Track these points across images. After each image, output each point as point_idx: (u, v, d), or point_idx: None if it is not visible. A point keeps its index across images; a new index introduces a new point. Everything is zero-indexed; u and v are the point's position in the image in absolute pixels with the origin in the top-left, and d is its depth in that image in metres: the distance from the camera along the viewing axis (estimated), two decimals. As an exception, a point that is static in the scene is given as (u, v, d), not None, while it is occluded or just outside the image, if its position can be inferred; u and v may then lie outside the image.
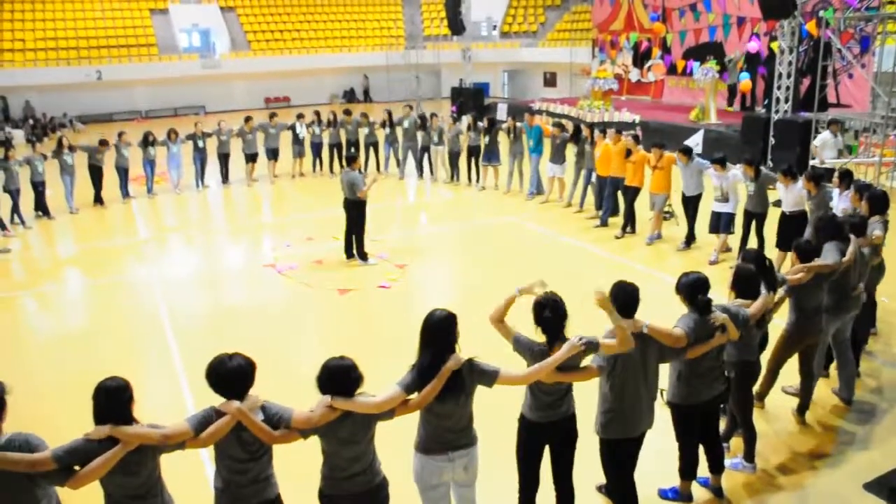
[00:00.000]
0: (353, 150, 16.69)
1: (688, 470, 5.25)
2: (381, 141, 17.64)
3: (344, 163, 12.47)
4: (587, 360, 4.54)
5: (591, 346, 4.35)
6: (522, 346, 4.48)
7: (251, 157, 17.25)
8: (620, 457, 4.77)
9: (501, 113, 25.03)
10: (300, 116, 17.65)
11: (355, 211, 10.93)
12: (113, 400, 3.68)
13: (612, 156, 12.26)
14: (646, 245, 11.65)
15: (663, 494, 5.34)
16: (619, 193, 12.36)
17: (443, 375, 4.04)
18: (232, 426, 3.73)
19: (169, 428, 3.71)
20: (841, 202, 8.81)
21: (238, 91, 33.64)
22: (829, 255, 6.15)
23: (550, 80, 33.27)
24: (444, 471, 4.20)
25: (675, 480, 5.34)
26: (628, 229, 12.14)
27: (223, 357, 3.85)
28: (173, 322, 9.17)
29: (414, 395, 4.05)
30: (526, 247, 12.04)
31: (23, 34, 31.79)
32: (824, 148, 13.80)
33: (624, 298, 4.60)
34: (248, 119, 17.26)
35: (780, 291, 5.81)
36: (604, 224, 12.65)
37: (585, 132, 13.55)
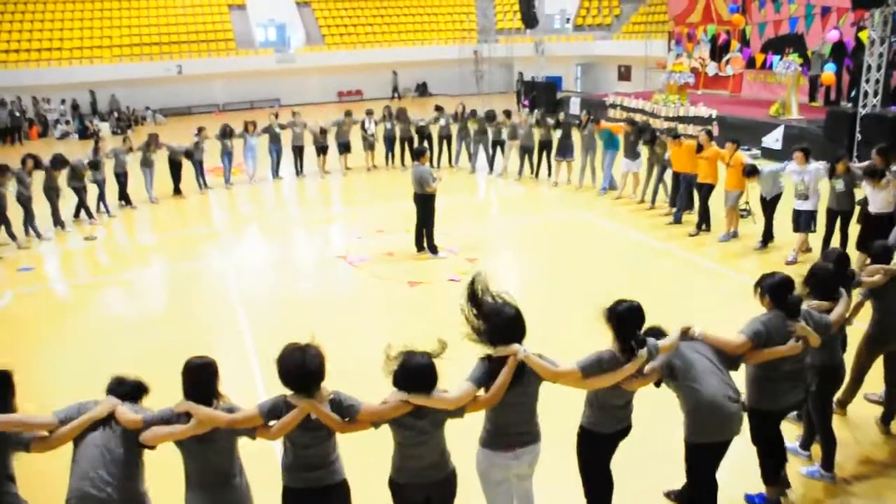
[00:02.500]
0: (422, 144, 16.87)
1: (771, 475, 5.10)
2: (453, 134, 17.69)
3: (413, 157, 12.48)
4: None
5: (651, 357, 4.34)
6: (596, 368, 4.29)
7: (322, 150, 17.53)
8: (705, 463, 4.62)
9: (574, 107, 24.75)
10: (369, 112, 17.82)
11: (424, 205, 11.00)
12: (197, 376, 3.92)
13: (683, 152, 11.99)
14: (719, 243, 11.35)
15: (751, 500, 5.20)
16: (694, 190, 12.08)
17: (510, 368, 4.04)
18: (301, 419, 3.81)
19: (240, 413, 3.86)
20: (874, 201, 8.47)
21: (312, 84, 34.18)
22: None
23: (625, 74, 32.70)
24: (510, 468, 4.20)
25: (755, 487, 5.19)
26: (703, 227, 11.85)
27: (293, 350, 3.88)
28: (247, 309, 9.40)
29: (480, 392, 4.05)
30: (597, 243, 11.89)
31: (110, 31, 33.04)
32: None
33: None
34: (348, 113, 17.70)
35: (858, 295, 5.59)
36: (677, 221, 12.38)
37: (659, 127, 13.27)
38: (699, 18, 25.86)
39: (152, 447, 3.89)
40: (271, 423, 3.89)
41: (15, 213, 12.72)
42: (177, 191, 16.04)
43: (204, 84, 32.93)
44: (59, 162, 13.40)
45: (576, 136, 15.34)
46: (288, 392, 3.88)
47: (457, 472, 4.12)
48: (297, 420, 3.81)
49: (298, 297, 10.13)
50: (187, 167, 16.15)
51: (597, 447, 4.55)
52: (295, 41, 35.27)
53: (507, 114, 16.80)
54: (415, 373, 3.89)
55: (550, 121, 15.64)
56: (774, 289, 4.78)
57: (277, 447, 4.30)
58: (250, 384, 7.17)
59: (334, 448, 4.01)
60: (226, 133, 16.50)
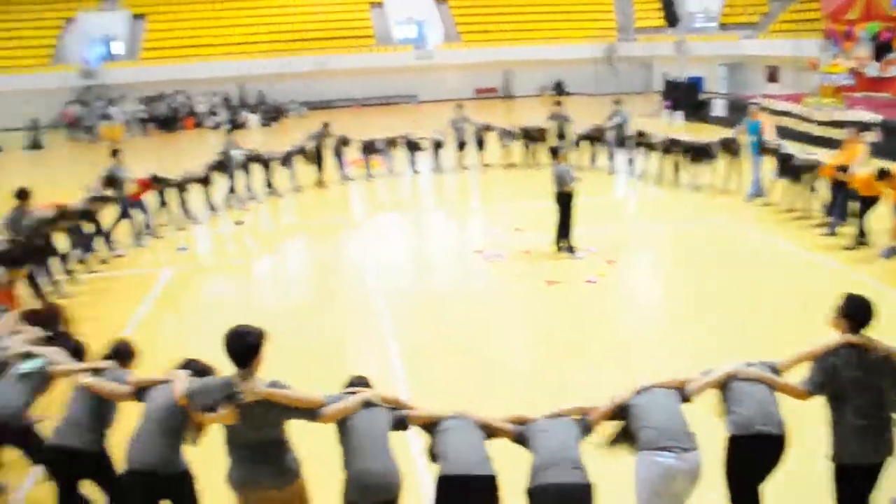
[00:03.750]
0: (560, 142, 16.78)
1: None
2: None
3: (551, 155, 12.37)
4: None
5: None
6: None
7: (461, 145, 17.73)
8: (851, 487, 4.33)
9: (717, 109, 23.85)
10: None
11: (563, 204, 10.91)
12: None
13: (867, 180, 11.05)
14: (881, 259, 10.59)
15: None
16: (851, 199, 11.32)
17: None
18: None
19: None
20: None
21: (449, 81, 34.62)
22: None
23: (773, 75, 31.17)
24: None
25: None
26: (861, 240, 11.08)
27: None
28: (384, 297, 9.64)
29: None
30: (741, 252, 11.38)
31: (258, 28, 34.78)
32: None
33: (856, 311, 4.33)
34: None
35: None
36: (832, 233, 11.64)
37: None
38: (858, 15, 24.23)
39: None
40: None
41: (172, 196, 13.68)
42: (320, 181, 16.66)
43: (344, 80, 34.07)
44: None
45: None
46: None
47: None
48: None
49: (433, 289, 10.31)
50: (331, 159, 16.78)
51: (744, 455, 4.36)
52: (433, 38, 35.83)
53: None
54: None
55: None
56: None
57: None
58: (387, 370, 7.32)
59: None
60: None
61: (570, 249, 11.06)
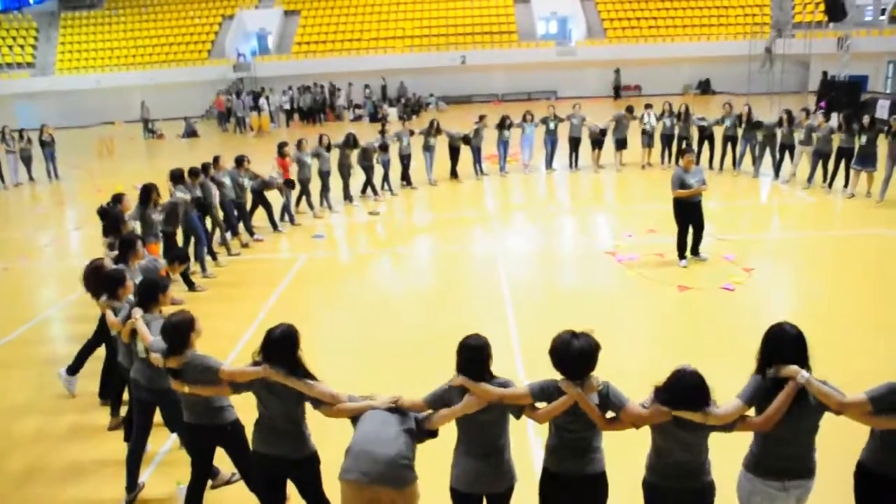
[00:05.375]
0: (702, 145, 16.34)
1: None
2: (739, 136, 16.61)
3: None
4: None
5: None
6: (889, 401, 3.74)
7: (598, 144, 17.40)
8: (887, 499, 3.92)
9: (882, 111, 22.11)
10: (648, 107, 17.37)
11: (680, 209, 10.38)
12: (472, 354, 4.11)
13: None
14: None
15: None
16: None
17: (789, 392, 3.75)
18: (568, 407, 3.87)
19: (510, 390, 4.03)
20: None
21: (590, 78, 34.05)
22: None
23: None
24: (775, 499, 3.89)
25: None
26: None
27: (568, 337, 3.93)
28: (512, 293, 9.62)
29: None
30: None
31: (403, 24, 35.55)
32: None
33: None
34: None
35: None
36: None
37: None
38: None
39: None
40: (540, 405, 4.01)
41: (314, 185, 14.21)
42: (454, 175, 16.83)
43: (485, 74, 34.23)
44: (350, 142, 14.62)
45: (882, 144, 13.65)
46: (559, 377, 3.95)
47: (715, 487, 3.94)
48: (563, 407, 3.88)
49: (563, 288, 10.19)
50: (465, 153, 16.87)
51: (876, 491, 3.94)
52: (576, 34, 35.33)
53: (806, 113, 15.43)
54: (683, 391, 3.77)
55: (854, 126, 14.04)
56: None
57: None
58: (510, 368, 7.29)
59: (599, 437, 4.02)
60: (504, 124, 16.98)
61: (696, 254, 10.59)
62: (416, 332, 8.31)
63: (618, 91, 33.52)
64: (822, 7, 27.96)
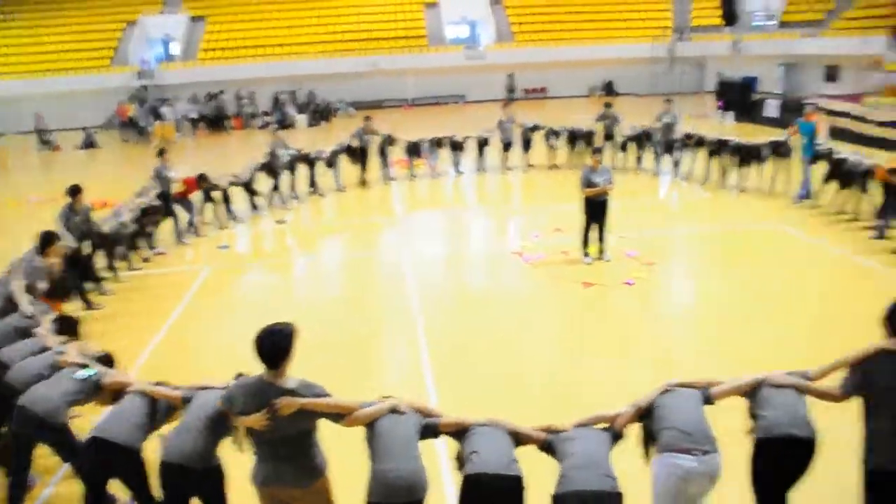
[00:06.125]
0: (606, 143, 16.77)
1: None
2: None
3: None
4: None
5: None
6: None
7: (506, 146, 17.63)
8: (883, 492, 4.20)
9: (770, 110, 23.23)
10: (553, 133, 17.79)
11: (588, 207, 10.60)
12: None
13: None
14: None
15: None
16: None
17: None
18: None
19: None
20: None
21: (498, 81, 34.42)
22: None
23: (832, 75, 30.22)
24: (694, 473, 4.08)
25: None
26: (914, 243, 10.67)
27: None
28: (420, 297, 9.63)
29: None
30: (788, 257, 11.02)
31: (312, 29, 35.24)
32: None
33: None
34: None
35: None
36: (881, 236, 11.21)
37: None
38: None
39: None
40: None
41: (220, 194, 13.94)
42: (362, 181, 16.74)
43: (396, 79, 34.26)
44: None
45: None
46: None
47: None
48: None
49: (469, 289, 10.29)
50: (374, 159, 16.87)
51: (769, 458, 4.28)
52: (485, 38, 35.75)
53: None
54: None
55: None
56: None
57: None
58: (418, 371, 7.30)
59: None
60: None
61: (601, 252, 10.85)
62: (325, 340, 8.22)
63: (511, 94, 33.82)
64: (718, 11, 29.10)
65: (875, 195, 11.80)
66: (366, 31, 35.21)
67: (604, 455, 4.13)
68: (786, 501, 4.35)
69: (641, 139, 17.14)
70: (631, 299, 9.42)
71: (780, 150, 14.14)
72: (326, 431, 4.21)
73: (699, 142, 15.77)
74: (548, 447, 4.33)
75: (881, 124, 18.53)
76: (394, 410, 4.26)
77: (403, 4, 36.89)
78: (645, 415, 4.45)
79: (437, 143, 17.58)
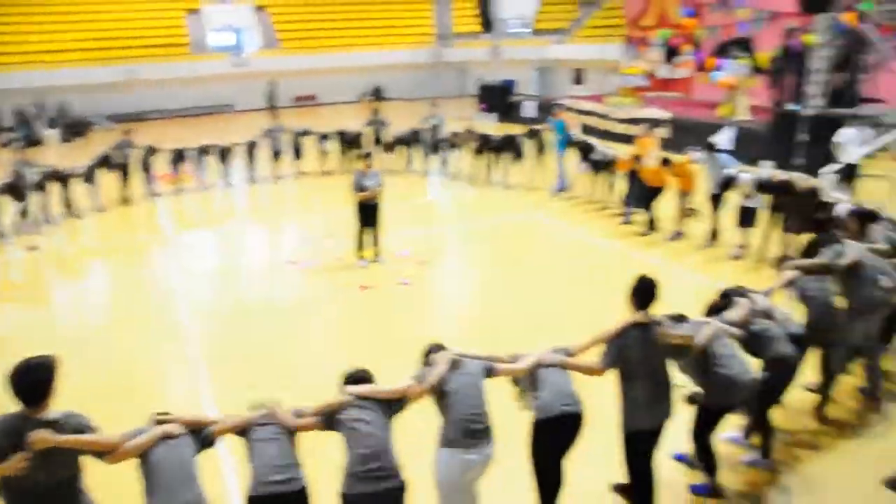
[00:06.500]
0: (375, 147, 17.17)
1: (714, 465, 5.23)
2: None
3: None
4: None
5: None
6: None
7: (276, 155, 17.37)
8: (640, 450, 4.78)
9: (528, 110, 24.90)
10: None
11: (361, 210, 10.74)
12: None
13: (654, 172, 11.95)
14: (668, 242, 11.50)
15: (695, 490, 5.32)
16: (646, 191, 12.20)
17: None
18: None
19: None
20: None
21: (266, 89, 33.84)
22: (826, 254, 6.17)
23: (579, 78, 33.00)
24: (470, 465, 4.28)
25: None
26: (652, 226, 11.98)
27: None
28: (194, 316, 9.26)
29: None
30: (548, 244, 11.96)
31: (61, 35, 32.39)
32: (847, 144, 13.46)
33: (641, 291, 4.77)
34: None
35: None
36: (627, 222, 12.50)
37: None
38: (653, 22, 26.20)
39: None
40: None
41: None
42: (124, 198, 15.69)
43: (157, 90, 32.41)
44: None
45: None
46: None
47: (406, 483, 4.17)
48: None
49: (247, 304, 9.93)
50: (136, 175, 15.88)
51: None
52: (250, 46, 34.94)
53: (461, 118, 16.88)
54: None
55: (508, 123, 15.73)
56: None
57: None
58: (196, 394, 7.05)
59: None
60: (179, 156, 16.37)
61: (376, 255, 11.05)
62: (86, 372, 7.65)
63: (273, 103, 33.32)
64: (477, 19, 30.68)
65: (622, 184, 13.06)
66: (122, 38, 32.99)
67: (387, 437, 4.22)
68: (561, 469, 4.72)
69: (409, 141, 17.66)
70: (407, 298, 9.71)
71: (535, 137, 15.15)
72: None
73: (465, 139, 16.55)
74: (329, 425, 4.29)
75: (622, 121, 20.53)
76: (166, 437, 3.98)
77: (163, 10, 34.98)
78: (439, 396, 4.49)
79: (203, 151, 16.84)
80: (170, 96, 32.88)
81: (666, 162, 11.55)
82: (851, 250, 6.14)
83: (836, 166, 12.27)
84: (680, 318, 5.05)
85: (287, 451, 4.09)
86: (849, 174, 11.92)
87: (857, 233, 6.89)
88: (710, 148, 10.90)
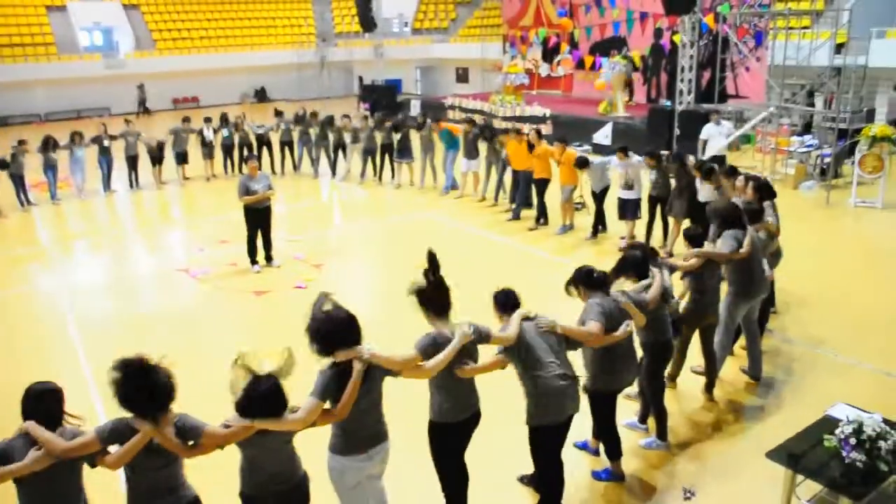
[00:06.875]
0: (261, 150, 17.13)
1: (616, 450, 5.46)
2: (295, 140, 17.51)
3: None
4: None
5: (480, 337, 4.52)
6: (431, 346, 4.39)
7: (157, 160, 16.77)
8: (549, 443, 4.83)
9: (415, 109, 25.08)
10: (207, 120, 17.28)
11: (246, 215, 10.56)
12: (41, 403, 3.76)
13: (519, 151, 12.52)
14: (556, 236, 11.93)
15: (597, 476, 5.54)
16: (532, 186, 12.59)
17: (358, 374, 4.01)
18: (144, 445, 3.64)
19: (75, 441, 3.64)
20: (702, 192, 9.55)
21: (146, 92, 32.53)
22: (724, 241, 6.45)
23: (463, 76, 33.53)
24: (363, 469, 4.19)
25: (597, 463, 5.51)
26: (541, 221, 12.38)
27: (133, 370, 3.68)
28: (82, 331, 8.85)
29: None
30: (441, 242, 12.06)
31: None
32: (708, 138, 14.38)
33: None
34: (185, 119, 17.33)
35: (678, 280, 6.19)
36: (516, 217, 12.86)
37: (498, 128, 13.84)
38: (531, 22, 26.96)
39: None
40: (112, 448, 3.69)
41: None
42: (-5, 209, 14.78)
43: (22, 92, 30.52)
44: None
45: (415, 137, 15.58)
46: (128, 415, 3.69)
47: (308, 479, 4.11)
48: (140, 445, 3.62)
49: (138, 315, 9.58)
50: (5, 183, 14.94)
51: (449, 438, 4.65)
52: (123, 46, 33.45)
53: (348, 117, 16.81)
54: (261, 401, 3.75)
55: (389, 123, 15.81)
56: (582, 278, 5.15)
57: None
58: (91, 414, 6.75)
59: (180, 471, 3.87)
60: (48, 145, 15.38)
61: (269, 259, 10.91)
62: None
63: (143, 106, 32.26)
64: (357, 18, 30.59)
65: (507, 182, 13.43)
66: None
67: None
68: (465, 465, 4.80)
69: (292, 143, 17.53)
70: (304, 302, 9.59)
71: (422, 129, 15.36)
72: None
73: (354, 139, 16.52)
74: None
75: (506, 118, 21.01)
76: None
77: (24, 7, 32.89)
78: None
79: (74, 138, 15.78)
80: (36, 99, 31.04)
81: (531, 147, 12.12)
82: (748, 237, 6.52)
83: (703, 159, 13.08)
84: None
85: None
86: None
87: (756, 203, 7.34)
88: (583, 164, 11.33)
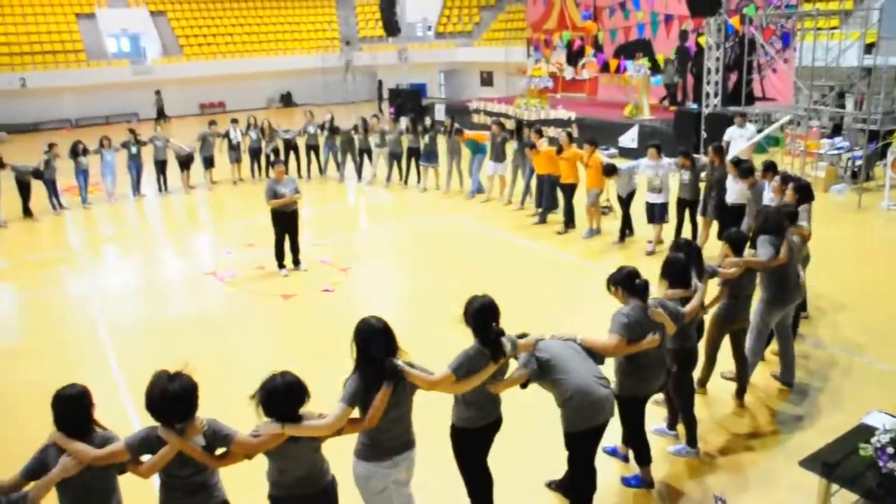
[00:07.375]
0: (288, 155, 17.21)
1: (645, 456, 5.41)
2: (321, 144, 17.58)
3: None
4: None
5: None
6: (466, 367, 4.39)
7: (186, 165, 16.94)
8: (584, 448, 4.83)
9: (439, 113, 25.10)
10: (234, 121, 17.44)
11: (273, 219, 10.61)
12: (70, 407, 3.74)
13: (545, 154, 12.47)
14: (583, 240, 11.86)
15: (626, 482, 5.49)
16: (558, 190, 12.53)
17: (387, 388, 4.01)
18: (173, 456, 3.67)
19: (104, 450, 3.68)
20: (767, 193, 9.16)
21: (172, 97, 32.78)
22: (762, 248, 6.32)
23: (487, 80, 33.49)
24: (389, 476, 4.21)
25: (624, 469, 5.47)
26: (569, 225, 12.32)
27: (163, 379, 3.72)
28: (112, 335, 8.94)
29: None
30: (467, 246, 12.13)
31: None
32: (732, 140, 14.21)
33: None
34: (212, 123, 17.44)
35: (714, 284, 6.05)
36: (543, 221, 12.81)
37: (525, 131, 13.79)
38: (555, 25, 26.87)
39: None
40: (145, 457, 3.73)
41: None
42: (27, 212, 15.01)
43: (52, 98, 30.98)
44: None
45: (441, 141, 15.59)
46: (157, 424, 3.73)
47: (336, 483, 4.11)
48: (168, 457, 3.66)
49: (167, 319, 9.70)
50: (38, 187, 15.18)
51: (470, 443, 4.68)
52: (151, 52, 33.85)
53: (377, 117, 16.90)
54: (279, 394, 3.78)
55: (419, 127, 15.84)
56: (623, 280, 5.09)
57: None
58: (123, 419, 6.83)
59: (213, 473, 3.90)
60: (77, 150, 15.61)
61: (297, 263, 10.97)
62: (10, 397, 7.33)
63: (162, 113, 32.41)
64: (381, 23, 30.73)
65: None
66: (11, 43, 31.39)
67: None
68: (488, 468, 4.82)
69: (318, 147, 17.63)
70: (331, 306, 9.67)
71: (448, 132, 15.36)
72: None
73: (381, 141, 16.56)
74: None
75: (530, 122, 20.92)
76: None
77: (54, 15, 33.41)
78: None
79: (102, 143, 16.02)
80: (66, 105, 31.50)
81: (559, 150, 12.11)
82: (785, 243, 6.39)
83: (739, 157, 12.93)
84: None
85: None
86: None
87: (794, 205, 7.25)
88: (611, 171, 11.24)
